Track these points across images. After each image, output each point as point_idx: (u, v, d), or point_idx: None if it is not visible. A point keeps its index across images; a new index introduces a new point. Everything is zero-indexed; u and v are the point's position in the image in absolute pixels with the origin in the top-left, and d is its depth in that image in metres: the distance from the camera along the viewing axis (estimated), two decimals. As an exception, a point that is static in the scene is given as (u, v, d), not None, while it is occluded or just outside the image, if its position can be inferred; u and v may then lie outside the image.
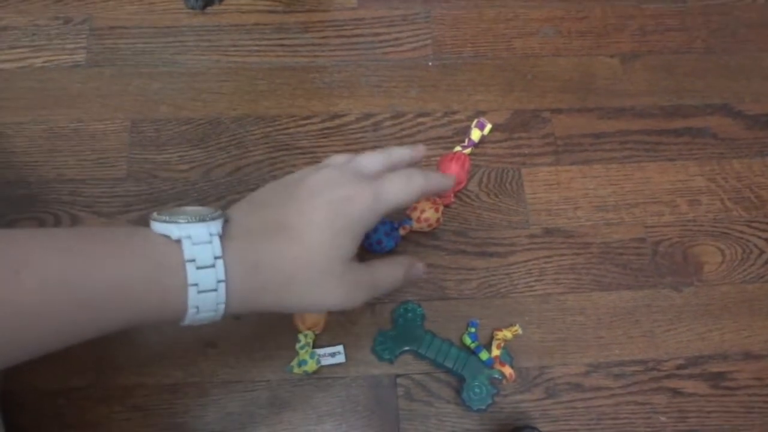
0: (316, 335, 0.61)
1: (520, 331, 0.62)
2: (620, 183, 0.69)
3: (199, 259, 0.40)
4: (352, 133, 0.70)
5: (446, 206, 0.67)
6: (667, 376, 0.63)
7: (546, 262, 0.66)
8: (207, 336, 0.62)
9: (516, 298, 0.64)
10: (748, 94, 0.74)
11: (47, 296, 0.37)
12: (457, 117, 0.71)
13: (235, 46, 0.74)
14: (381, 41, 0.75)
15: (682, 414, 0.62)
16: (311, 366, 0.60)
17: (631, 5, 0.78)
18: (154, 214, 0.42)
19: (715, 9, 0.79)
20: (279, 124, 0.70)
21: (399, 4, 0.77)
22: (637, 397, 0.62)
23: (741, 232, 0.68)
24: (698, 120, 0.73)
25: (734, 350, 0.64)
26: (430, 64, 0.74)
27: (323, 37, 0.75)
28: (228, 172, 0.68)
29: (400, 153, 0.51)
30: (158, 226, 0.42)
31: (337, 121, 0.71)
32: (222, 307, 0.42)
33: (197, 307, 0.41)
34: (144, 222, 0.64)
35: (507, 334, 0.61)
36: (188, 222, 0.41)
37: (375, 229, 0.61)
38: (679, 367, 0.63)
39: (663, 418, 0.61)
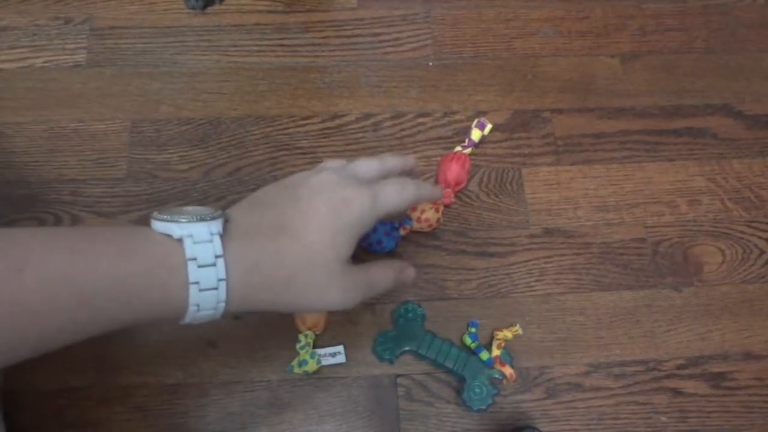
0: (316, 335, 0.61)
1: (520, 331, 0.62)
2: (620, 183, 0.69)
3: (200, 258, 0.41)
4: (352, 133, 0.70)
5: (446, 206, 0.67)
6: (668, 376, 0.63)
7: (546, 262, 0.66)
8: (207, 336, 0.62)
9: (516, 298, 0.64)
10: (749, 94, 0.74)
11: (48, 294, 0.37)
12: (457, 117, 0.71)
13: (235, 46, 0.74)
14: (381, 41, 0.75)
15: (683, 414, 0.62)
16: (312, 366, 0.60)
17: (631, 5, 0.78)
18: (155, 213, 0.43)
19: (715, 9, 0.79)
20: (279, 124, 0.70)
21: (399, 5, 0.77)
22: (637, 397, 0.62)
23: (741, 232, 0.68)
24: (698, 120, 0.73)
25: (735, 350, 0.64)
26: (430, 64, 0.74)
27: (323, 38, 0.75)
28: (228, 172, 0.68)
29: (393, 161, 0.52)
30: (159, 225, 0.42)
31: (337, 121, 0.71)
32: (222, 305, 0.42)
33: (198, 306, 0.41)
34: (144, 222, 0.64)
35: (507, 334, 0.61)
36: (189, 221, 0.42)
37: (375, 229, 0.61)
38: (680, 367, 0.63)
39: (664, 418, 0.61)
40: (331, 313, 0.62)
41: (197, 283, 0.40)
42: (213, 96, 0.71)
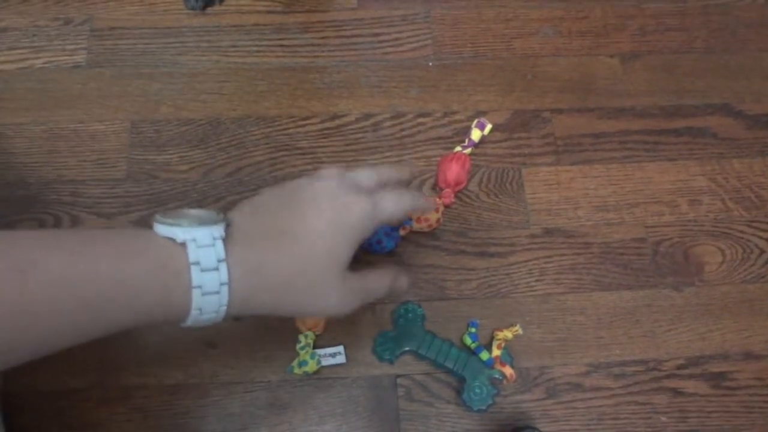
0: (316, 336, 0.61)
1: (520, 332, 0.62)
2: (621, 183, 0.69)
3: (203, 262, 0.41)
4: (352, 134, 0.70)
5: (446, 206, 0.67)
6: (668, 376, 0.63)
7: (546, 262, 0.66)
8: (207, 337, 0.62)
9: (516, 298, 0.64)
10: (749, 93, 0.74)
11: (49, 296, 0.37)
12: (457, 117, 0.71)
13: (235, 46, 0.74)
14: (381, 41, 0.75)
15: (683, 414, 0.62)
16: (312, 366, 0.60)
17: (631, 5, 0.78)
18: (158, 216, 0.43)
19: (715, 9, 0.79)
20: (279, 125, 0.70)
21: (399, 5, 0.77)
22: (637, 397, 0.62)
23: (742, 232, 0.68)
24: (699, 120, 0.73)
25: (735, 350, 0.64)
26: (430, 64, 0.74)
27: (323, 38, 0.75)
28: (228, 172, 0.68)
29: (390, 171, 0.52)
30: (162, 229, 0.42)
31: (337, 122, 0.71)
32: (224, 308, 0.42)
33: (200, 309, 0.41)
34: (145, 223, 0.65)
35: (507, 334, 0.61)
36: (192, 225, 0.42)
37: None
38: (680, 367, 0.63)
39: (664, 418, 0.61)
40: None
41: (200, 286, 0.41)
42: (213, 96, 0.71)
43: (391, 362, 0.61)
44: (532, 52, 0.75)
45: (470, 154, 0.68)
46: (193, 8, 0.69)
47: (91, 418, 0.59)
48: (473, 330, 0.61)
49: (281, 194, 0.48)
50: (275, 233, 0.45)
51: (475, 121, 0.69)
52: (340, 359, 0.61)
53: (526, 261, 0.66)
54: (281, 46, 0.74)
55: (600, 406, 0.61)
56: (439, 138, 0.70)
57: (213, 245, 0.41)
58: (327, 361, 0.61)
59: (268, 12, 0.76)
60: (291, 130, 0.70)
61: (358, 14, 0.76)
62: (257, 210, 0.47)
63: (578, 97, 0.73)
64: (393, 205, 0.48)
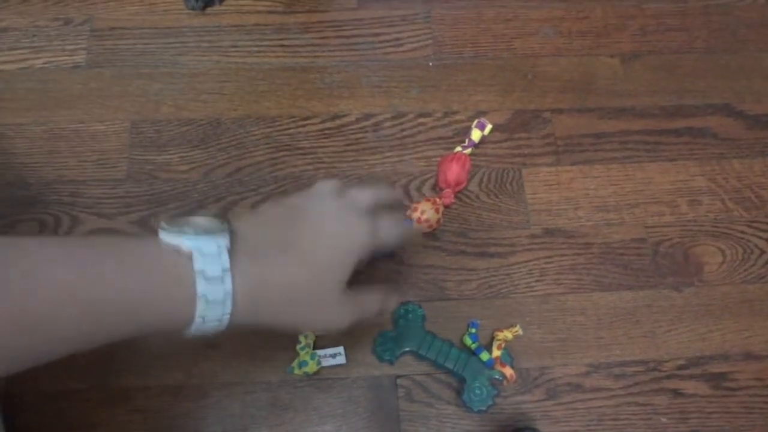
0: (316, 336, 0.61)
1: (520, 332, 0.62)
2: (621, 183, 0.69)
3: (208, 272, 0.41)
4: (353, 134, 0.70)
5: (446, 207, 0.67)
6: (668, 377, 0.63)
7: (546, 263, 0.66)
8: (208, 338, 0.61)
9: (516, 298, 0.64)
10: (749, 94, 0.74)
11: (56, 305, 0.37)
12: (457, 117, 0.71)
13: (235, 46, 0.74)
14: (381, 42, 0.75)
15: (683, 415, 0.62)
16: (312, 367, 0.60)
17: (631, 5, 0.78)
18: (163, 224, 0.43)
19: (716, 9, 0.79)
20: (279, 125, 0.70)
21: (399, 5, 0.77)
22: (637, 398, 0.62)
23: (742, 232, 0.68)
24: (699, 120, 0.73)
25: (735, 351, 0.64)
26: (430, 64, 0.74)
27: (323, 38, 0.75)
28: (228, 172, 0.68)
29: (385, 191, 0.54)
30: (168, 237, 0.42)
31: (337, 122, 0.71)
32: (227, 318, 0.43)
33: (203, 318, 0.42)
34: (145, 223, 0.65)
35: (507, 334, 0.61)
36: (197, 234, 0.42)
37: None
38: (680, 367, 0.63)
39: (664, 419, 0.61)
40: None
41: (204, 296, 0.41)
42: (213, 97, 0.71)
43: (391, 363, 0.61)
44: (532, 52, 0.75)
45: (470, 155, 0.68)
46: (193, 8, 0.70)
47: (92, 418, 0.59)
48: (473, 330, 0.61)
49: (286, 209, 0.49)
50: (280, 247, 0.45)
51: (475, 122, 0.69)
52: (340, 360, 0.61)
53: (526, 261, 0.66)
54: (282, 46, 0.74)
55: (600, 407, 0.61)
56: (440, 138, 0.70)
57: (219, 255, 0.42)
58: (327, 362, 0.61)
59: (269, 12, 0.76)
60: (291, 130, 0.70)
61: (358, 14, 0.76)
62: (263, 222, 0.48)
63: (579, 98, 0.73)
64: (392, 231, 0.50)
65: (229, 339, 0.62)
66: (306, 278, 0.45)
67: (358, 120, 0.71)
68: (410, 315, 0.62)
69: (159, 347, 0.61)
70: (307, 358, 0.60)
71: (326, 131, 0.70)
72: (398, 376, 0.62)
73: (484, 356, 0.60)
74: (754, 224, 0.68)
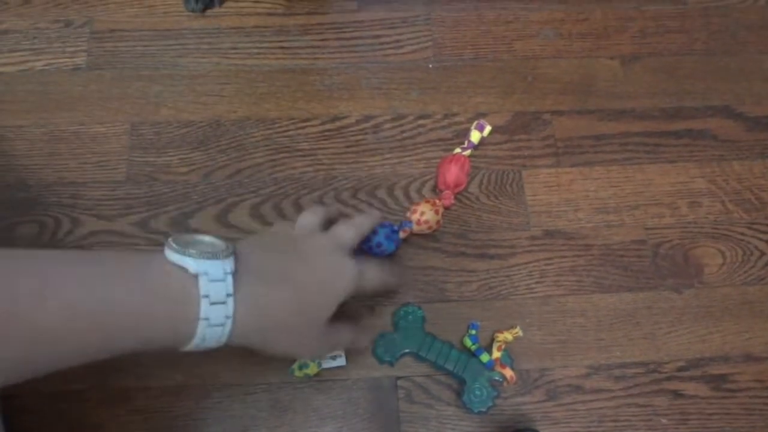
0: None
1: (520, 333, 0.62)
2: (621, 185, 0.69)
3: (212, 296, 0.42)
4: (353, 135, 0.70)
5: (446, 208, 0.67)
6: (668, 378, 0.63)
7: (546, 264, 0.66)
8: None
9: (516, 300, 0.64)
10: (749, 95, 0.74)
11: (66, 321, 0.39)
12: (457, 119, 0.71)
13: (235, 48, 0.74)
14: (381, 43, 0.75)
15: (683, 416, 0.62)
16: (312, 369, 0.60)
17: (631, 7, 0.78)
18: (170, 241, 0.44)
19: (715, 11, 0.79)
20: (279, 127, 0.70)
21: (399, 7, 0.77)
22: (638, 399, 0.62)
23: (742, 234, 0.68)
24: (699, 122, 0.73)
25: (735, 352, 0.64)
26: (430, 66, 0.74)
27: (323, 40, 0.75)
28: (228, 174, 0.68)
29: (366, 225, 0.57)
30: (174, 257, 0.43)
31: (337, 123, 0.71)
32: (224, 339, 0.44)
33: (203, 338, 0.43)
34: (145, 224, 0.65)
35: (507, 336, 0.61)
36: (204, 257, 0.43)
37: (375, 232, 0.61)
38: (680, 369, 0.63)
39: (664, 421, 0.61)
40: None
41: (207, 318, 0.42)
42: (213, 98, 0.71)
43: (391, 364, 0.61)
44: (532, 54, 0.75)
45: (470, 156, 0.68)
46: (193, 10, 0.70)
47: (92, 419, 0.59)
48: (473, 332, 0.61)
49: (285, 240, 0.53)
50: (279, 277, 0.48)
51: (474, 123, 0.69)
52: (341, 362, 0.61)
53: (526, 263, 0.66)
54: (282, 48, 0.74)
55: (600, 408, 0.61)
56: (440, 140, 0.70)
57: (224, 280, 0.43)
58: (327, 363, 0.61)
59: (269, 14, 0.76)
60: (291, 132, 0.70)
61: (358, 16, 0.76)
62: (264, 248, 0.51)
63: (579, 99, 0.73)
64: (378, 277, 0.55)
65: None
66: (297, 311, 0.48)
67: (358, 122, 0.71)
68: (410, 316, 0.62)
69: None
70: (308, 359, 0.60)
71: (326, 133, 0.70)
72: (398, 378, 0.62)
73: (484, 358, 0.60)
74: (754, 226, 0.68)
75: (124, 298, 0.41)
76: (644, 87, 0.74)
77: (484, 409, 0.59)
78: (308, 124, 0.71)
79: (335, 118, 0.71)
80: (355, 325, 0.57)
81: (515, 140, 0.71)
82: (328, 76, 0.73)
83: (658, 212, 0.68)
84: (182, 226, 0.65)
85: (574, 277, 0.66)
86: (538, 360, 0.63)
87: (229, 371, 0.61)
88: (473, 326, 0.62)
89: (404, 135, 0.70)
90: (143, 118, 0.70)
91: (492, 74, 0.74)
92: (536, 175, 0.69)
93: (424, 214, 0.63)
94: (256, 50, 0.74)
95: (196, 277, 0.42)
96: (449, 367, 0.60)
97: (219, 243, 0.46)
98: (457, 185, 0.66)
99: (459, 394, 0.60)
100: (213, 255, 0.43)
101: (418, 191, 0.68)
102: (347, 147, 0.70)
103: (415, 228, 0.64)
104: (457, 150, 0.68)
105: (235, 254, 0.46)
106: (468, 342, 0.61)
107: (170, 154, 0.69)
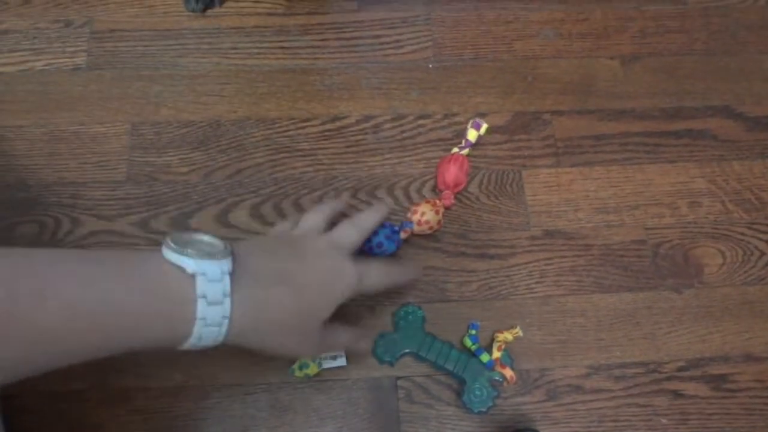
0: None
1: (520, 333, 0.62)
2: (621, 185, 0.69)
3: (210, 296, 0.42)
4: (353, 135, 0.70)
5: (446, 208, 0.67)
6: (668, 378, 0.63)
7: (546, 264, 0.66)
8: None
9: (517, 300, 0.64)
10: (749, 95, 0.74)
11: (67, 320, 0.39)
12: (457, 119, 0.71)
13: (235, 48, 0.74)
14: (381, 43, 0.75)
15: (684, 416, 0.62)
16: (312, 369, 0.60)
17: (631, 7, 0.78)
18: (168, 241, 0.44)
19: (716, 11, 0.79)
20: (279, 127, 0.70)
21: (399, 7, 0.77)
22: (638, 399, 0.62)
23: (742, 234, 0.68)
24: (699, 122, 0.73)
25: (735, 352, 0.64)
26: (430, 66, 0.74)
27: (323, 40, 0.75)
28: (228, 174, 0.68)
29: (370, 223, 0.58)
30: (172, 257, 0.43)
31: (337, 123, 0.71)
32: (221, 339, 0.45)
33: (200, 337, 0.43)
34: (145, 224, 0.65)
35: (508, 336, 0.61)
36: (202, 257, 0.43)
37: (376, 233, 0.61)
38: (680, 369, 0.63)
39: (664, 421, 0.61)
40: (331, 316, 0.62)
41: (204, 318, 0.42)
42: (213, 98, 0.71)
43: (391, 364, 0.61)
44: (532, 54, 0.75)
45: (470, 156, 0.68)
46: (193, 10, 0.69)
47: (92, 419, 0.59)
48: (473, 332, 0.61)
49: (284, 243, 0.53)
50: (278, 279, 0.48)
51: (471, 122, 0.69)
52: (341, 362, 0.61)
53: (526, 263, 0.66)
54: (282, 48, 0.74)
55: (600, 408, 0.61)
56: (440, 140, 0.70)
57: (221, 280, 0.43)
58: (327, 363, 0.61)
59: (269, 14, 0.76)
60: (291, 132, 0.70)
61: (358, 16, 0.76)
62: (263, 249, 0.51)
63: (579, 99, 0.73)
64: (380, 279, 0.55)
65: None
66: (296, 312, 0.48)
67: (358, 122, 0.71)
68: (410, 316, 0.62)
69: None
70: (308, 359, 0.60)
71: (326, 133, 0.70)
72: (398, 378, 0.62)
73: (484, 358, 0.60)
74: (754, 226, 0.68)
75: (123, 298, 0.41)
76: (644, 87, 0.74)
77: (484, 409, 0.59)
78: (308, 124, 0.71)
79: (335, 118, 0.71)
80: (355, 327, 0.57)
81: (515, 140, 0.71)
82: (328, 76, 0.73)
83: (658, 212, 0.68)
84: (182, 226, 0.65)
85: (574, 277, 0.66)
86: (538, 360, 0.63)
87: (229, 371, 0.61)
88: (473, 326, 0.62)
89: (404, 135, 0.70)
90: (143, 118, 0.70)
91: (492, 74, 0.74)
92: (536, 175, 0.69)
93: (424, 215, 0.63)
94: (256, 50, 0.74)
95: (193, 277, 0.42)
96: (449, 367, 0.60)
97: (217, 242, 0.46)
98: (456, 185, 0.66)
99: (459, 394, 0.60)
100: (211, 255, 0.44)
101: (418, 191, 0.68)
102: (347, 147, 0.70)
103: (416, 228, 0.64)
104: (455, 149, 0.68)
105: (233, 255, 0.46)
106: (468, 342, 0.61)
107: (170, 154, 0.69)
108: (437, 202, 0.65)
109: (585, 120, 0.72)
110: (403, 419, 0.60)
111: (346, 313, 0.63)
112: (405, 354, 0.61)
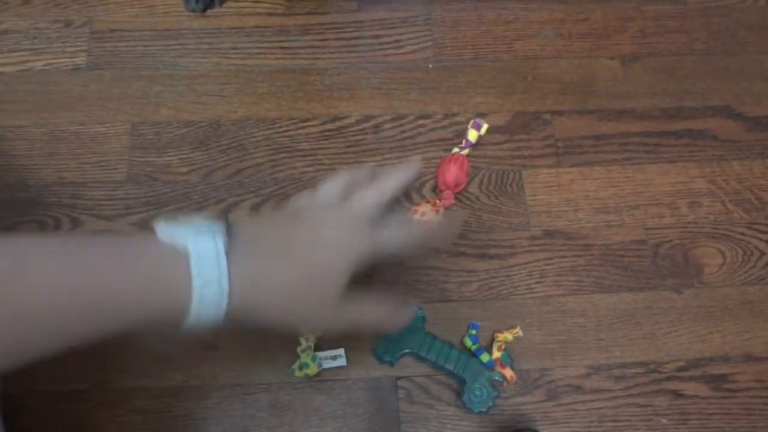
0: (317, 338, 0.61)
1: (520, 333, 0.62)
2: (621, 185, 0.69)
3: (204, 269, 0.41)
4: (353, 135, 0.70)
5: (446, 208, 0.67)
6: (668, 378, 0.63)
7: (547, 264, 0.66)
8: (208, 338, 0.62)
9: (517, 300, 0.64)
10: (749, 95, 0.74)
11: (52, 299, 0.37)
12: (457, 119, 0.71)
13: (235, 48, 0.74)
14: (381, 43, 0.75)
15: (684, 416, 0.62)
16: (313, 369, 0.60)
17: (631, 7, 0.78)
18: (161, 222, 0.43)
19: (716, 11, 0.79)
20: (279, 127, 0.70)
21: (399, 7, 0.77)
22: (638, 399, 0.62)
23: (742, 234, 0.68)
24: (699, 122, 0.73)
25: (735, 352, 0.64)
26: (430, 66, 0.74)
27: (323, 40, 0.75)
28: (228, 174, 0.68)
29: (392, 186, 0.51)
30: (165, 234, 0.42)
31: (337, 123, 0.71)
32: (221, 316, 0.43)
33: (199, 314, 0.41)
34: (145, 225, 0.65)
35: (508, 336, 0.61)
36: (195, 232, 0.42)
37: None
38: (680, 369, 0.63)
39: (664, 421, 0.61)
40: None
41: (200, 291, 0.41)
42: (213, 98, 0.71)
43: (391, 364, 0.61)
44: (532, 54, 0.75)
45: (470, 156, 0.68)
46: (193, 10, 0.70)
47: (92, 419, 0.59)
48: (473, 332, 0.61)
49: (286, 213, 0.50)
50: (278, 249, 0.45)
51: (471, 122, 0.69)
52: (341, 362, 0.61)
53: (526, 263, 0.66)
54: (282, 48, 0.74)
55: (600, 408, 0.61)
56: (440, 140, 0.70)
57: (216, 252, 0.41)
58: (328, 364, 0.61)
59: (269, 14, 0.76)
60: (291, 132, 0.70)
61: (358, 16, 0.76)
62: (261, 223, 0.49)
63: (579, 99, 0.73)
64: (398, 241, 0.50)
65: (229, 340, 0.62)
66: (302, 281, 0.45)
67: (358, 122, 0.71)
68: (410, 316, 0.62)
69: (159, 348, 0.61)
70: (308, 360, 0.60)
71: (326, 133, 0.70)
72: (398, 378, 0.62)
73: (485, 358, 0.60)
74: (754, 226, 0.68)
75: (111, 278, 0.40)
76: (644, 87, 0.74)
77: (484, 409, 0.59)
78: (308, 124, 0.71)
79: (335, 118, 0.71)
80: (386, 299, 0.51)
81: (515, 140, 0.71)
82: (328, 76, 0.73)
83: (658, 212, 0.68)
84: (182, 226, 0.65)
85: (574, 277, 0.66)
86: (538, 360, 0.63)
87: (229, 371, 0.61)
88: (473, 326, 0.62)
89: (404, 135, 0.70)
90: (143, 118, 0.70)
91: (492, 74, 0.74)
92: (536, 175, 0.69)
93: (424, 215, 0.63)
94: (256, 50, 0.74)
95: (187, 251, 0.41)
96: (449, 367, 0.60)
97: (211, 220, 0.44)
98: (456, 185, 0.66)
99: (459, 394, 0.60)
100: (204, 230, 0.42)
101: (419, 191, 0.68)
102: (347, 147, 0.70)
103: (416, 228, 0.64)
104: (455, 149, 0.68)
105: (230, 230, 0.44)
106: (468, 342, 0.61)
107: (170, 154, 0.69)
108: (437, 202, 0.65)
109: (585, 120, 0.72)
110: (403, 419, 0.60)
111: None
112: (405, 354, 0.61)
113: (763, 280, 0.66)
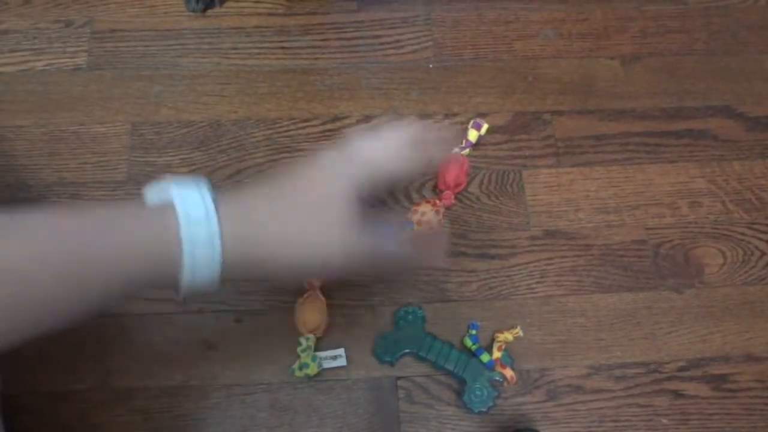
0: (317, 338, 0.61)
1: (521, 333, 0.61)
2: (621, 185, 0.69)
3: (192, 215, 0.40)
4: (353, 136, 0.70)
5: (447, 208, 0.67)
6: (669, 378, 0.62)
7: (547, 264, 0.66)
8: (208, 339, 0.62)
9: (517, 300, 0.64)
10: (749, 96, 0.74)
11: (38, 261, 0.37)
12: (457, 119, 0.71)
13: (235, 48, 0.74)
14: (381, 43, 0.75)
15: (684, 416, 0.61)
16: (313, 369, 0.60)
17: (631, 7, 0.78)
18: (146, 188, 0.42)
19: (716, 11, 0.79)
20: (280, 127, 0.70)
21: (399, 7, 0.77)
22: (638, 400, 0.62)
23: (742, 234, 0.68)
24: (699, 122, 0.73)
25: (736, 352, 0.64)
26: (430, 66, 0.74)
27: (324, 40, 0.75)
28: (229, 174, 0.68)
29: (395, 129, 0.48)
30: (150, 193, 0.42)
31: (337, 123, 0.71)
32: (217, 266, 0.41)
33: (192, 267, 0.40)
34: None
35: (508, 336, 0.61)
36: (178, 184, 0.41)
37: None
38: (681, 369, 0.63)
39: (664, 421, 0.61)
40: (331, 316, 0.62)
41: (190, 240, 0.39)
42: (213, 98, 0.71)
43: (391, 364, 0.61)
44: (532, 54, 0.75)
45: (470, 156, 0.68)
46: (193, 10, 0.70)
47: (92, 419, 0.59)
48: (474, 332, 0.61)
49: (285, 169, 0.47)
50: (266, 197, 0.44)
51: (471, 122, 0.69)
52: (341, 362, 0.61)
53: (526, 263, 0.66)
54: (282, 48, 0.74)
55: (601, 408, 0.61)
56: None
57: (202, 199, 0.41)
58: (328, 364, 0.61)
59: (269, 14, 0.76)
60: (292, 132, 0.70)
61: (358, 16, 0.76)
62: (247, 185, 0.48)
63: (579, 99, 0.73)
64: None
65: (229, 340, 0.62)
66: (297, 219, 0.43)
67: (358, 122, 0.71)
68: (410, 316, 0.62)
69: (159, 348, 0.61)
70: (308, 360, 0.60)
71: (327, 133, 0.70)
72: (398, 378, 0.62)
73: (485, 358, 0.60)
74: (755, 226, 0.68)
75: (101, 234, 0.39)
76: (645, 87, 0.74)
77: (484, 409, 0.59)
78: (309, 124, 0.71)
79: (336, 118, 0.71)
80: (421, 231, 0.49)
81: (515, 140, 0.71)
82: (328, 76, 0.73)
83: (658, 212, 0.68)
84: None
85: (575, 277, 0.65)
86: (538, 360, 0.63)
87: (229, 371, 0.61)
88: (473, 326, 0.62)
89: (404, 135, 0.70)
90: (144, 118, 0.70)
91: (492, 74, 0.74)
92: (536, 175, 0.69)
93: (425, 215, 0.63)
94: (256, 50, 0.74)
95: (172, 203, 0.40)
96: (449, 367, 0.60)
97: (193, 176, 0.44)
98: (457, 185, 0.66)
99: (459, 394, 0.60)
100: (187, 179, 0.42)
101: (419, 191, 0.68)
102: (347, 147, 0.69)
103: (416, 228, 0.64)
104: (456, 150, 0.68)
105: (217, 190, 0.43)
106: (468, 342, 0.61)
107: (171, 154, 0.69)
108: (437, 202, 0.65)
109: (585, 120, 0.72)
110: (403, 419, 0.60)
111: (346, 314, 0.63)
112: (405, 354, 0.61)
113: (764, 280, 0.66)
